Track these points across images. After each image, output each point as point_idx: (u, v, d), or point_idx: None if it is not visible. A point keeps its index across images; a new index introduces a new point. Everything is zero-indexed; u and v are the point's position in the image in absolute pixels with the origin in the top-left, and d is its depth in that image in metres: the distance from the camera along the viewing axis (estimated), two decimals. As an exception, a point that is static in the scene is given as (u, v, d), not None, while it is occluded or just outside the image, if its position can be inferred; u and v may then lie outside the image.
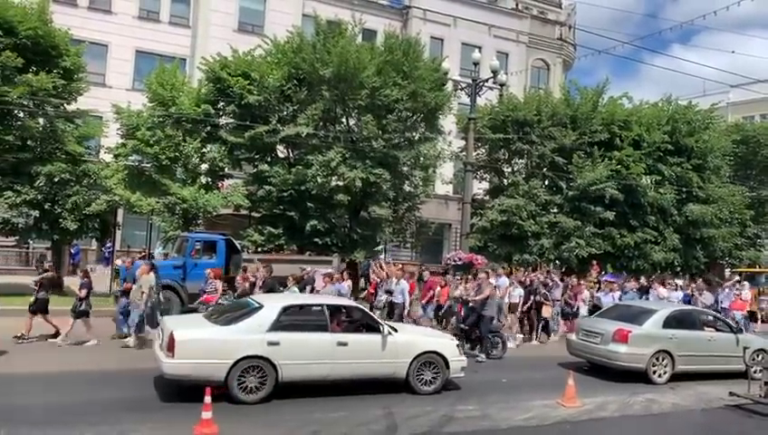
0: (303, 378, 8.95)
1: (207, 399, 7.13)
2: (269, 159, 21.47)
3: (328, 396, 8.95)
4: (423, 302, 16.49)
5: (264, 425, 7.73)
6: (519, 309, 15.59)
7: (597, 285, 18.29)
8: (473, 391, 9.85)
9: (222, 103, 21.29)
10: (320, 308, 9.58)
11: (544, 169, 25.01)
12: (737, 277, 20.16)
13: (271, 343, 8.65)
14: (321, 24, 21.81)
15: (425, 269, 19.91)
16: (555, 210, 24.28)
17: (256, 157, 21.39)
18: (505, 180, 25.77)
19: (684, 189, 25.09)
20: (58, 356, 11.09)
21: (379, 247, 25.43)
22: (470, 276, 15.92)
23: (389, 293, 14.62)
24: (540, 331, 15.85)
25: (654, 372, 11.40)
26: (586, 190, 23.20)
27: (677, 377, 11.52)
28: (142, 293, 12.14)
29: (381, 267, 16.84)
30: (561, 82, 33.01)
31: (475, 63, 20.77)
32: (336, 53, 19.81)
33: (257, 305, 9.29)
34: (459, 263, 18.07)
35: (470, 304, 13.53)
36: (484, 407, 9.04)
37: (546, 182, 25.11)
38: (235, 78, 20.53)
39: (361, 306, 11.12)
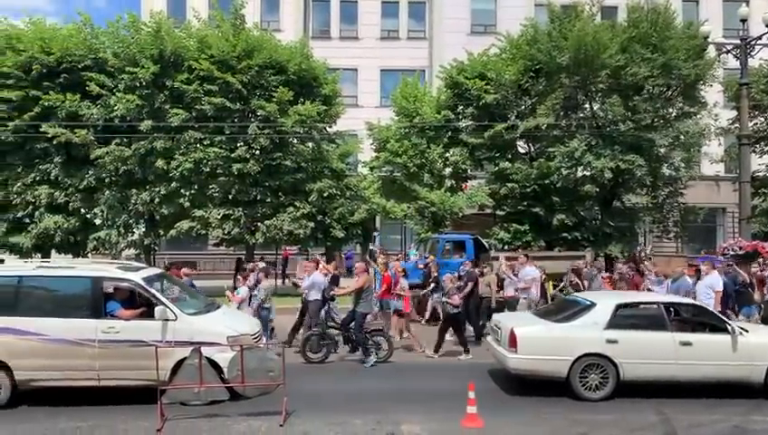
0: (646, 378, 8.64)
1: (471, 394, 7.33)
2: (509, 156, 21.49)
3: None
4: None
5: (527, 422, 7.64)
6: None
7: None
8: (770, 400, 8.42)
9: (461, 107, 21.98)
10: (655, 306, 9.19)
11: None
12: None
13: (609, 341, 8.54)
14: (555, 11, 21.05)
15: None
16: None
17: (497, 155, 21.57)
18: (794, 151, 21.66)
19: None
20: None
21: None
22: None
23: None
24: None
25: None
26: None
27: None
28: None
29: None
30: None
31: (743, 20, 17.86)
32: (572, 37, 18.91)
33: (589, 303, 9.16)
34: (740, 252, 15.61)
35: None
36: (788, 420, 7.65)
37: None
38: (472, 80, 21.10)
39: (704, 305, 10.11)
